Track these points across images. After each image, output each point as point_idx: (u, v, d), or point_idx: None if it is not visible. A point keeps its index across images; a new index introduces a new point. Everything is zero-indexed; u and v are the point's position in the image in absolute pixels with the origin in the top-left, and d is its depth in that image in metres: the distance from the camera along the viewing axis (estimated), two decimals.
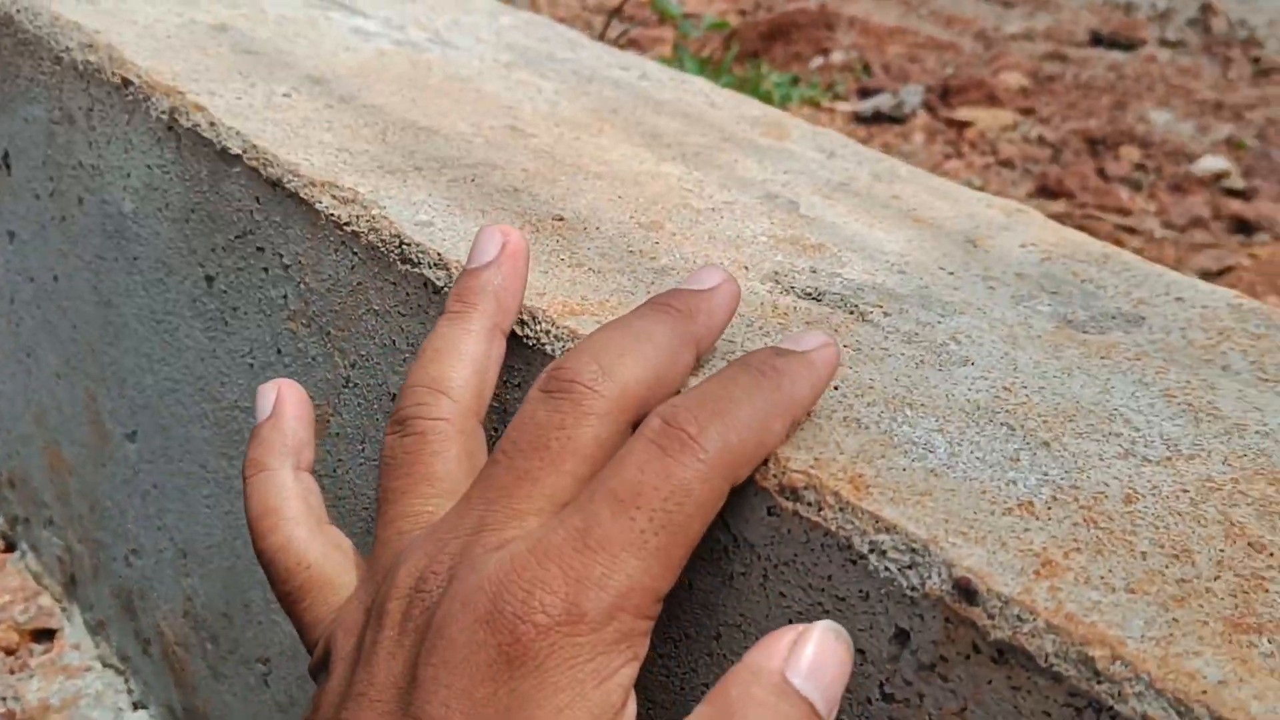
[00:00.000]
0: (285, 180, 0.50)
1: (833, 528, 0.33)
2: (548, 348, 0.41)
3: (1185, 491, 0.36)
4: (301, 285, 0.52)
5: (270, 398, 0.42)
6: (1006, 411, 0.39)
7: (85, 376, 0.68)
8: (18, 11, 0.65)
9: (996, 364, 0.42)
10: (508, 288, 0.41)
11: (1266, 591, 0.32)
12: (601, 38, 1.61)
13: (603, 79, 0.70)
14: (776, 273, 0.47)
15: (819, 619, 0.33)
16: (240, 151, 0.52)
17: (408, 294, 0.46)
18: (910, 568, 0.31)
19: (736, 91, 0.76)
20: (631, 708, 0.33)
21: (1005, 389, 0.40)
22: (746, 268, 0.47)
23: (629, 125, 0.63)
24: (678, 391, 0.37)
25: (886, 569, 0.32)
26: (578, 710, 0.31)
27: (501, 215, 0.49)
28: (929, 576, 0.31)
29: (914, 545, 0.31)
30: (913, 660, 0.32)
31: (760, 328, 0.42)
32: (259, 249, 0.53)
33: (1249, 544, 0.34)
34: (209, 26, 0.67)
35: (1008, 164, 1.43)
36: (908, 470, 0.34)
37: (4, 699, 0.71)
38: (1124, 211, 1.30)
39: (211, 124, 0.54)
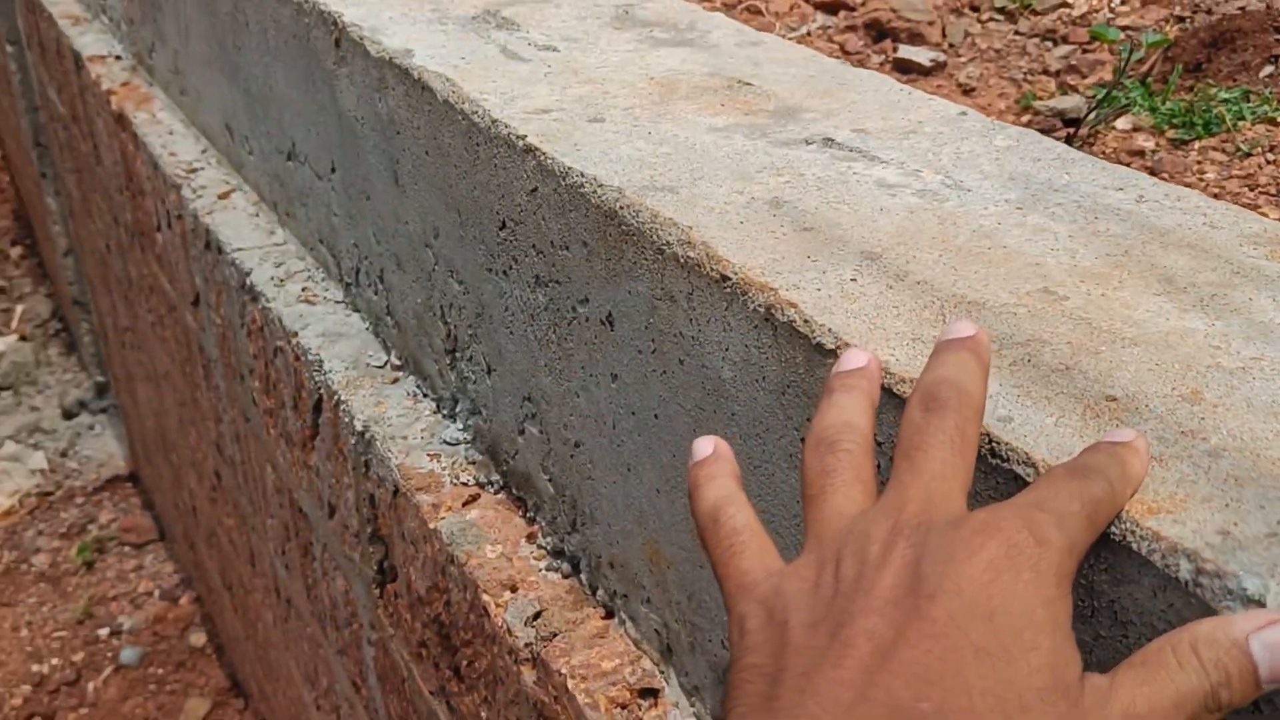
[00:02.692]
0: None
1: None
2: (1132, 545, 0.51)
3: None
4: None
5: (708, 443, 0.60)
6: None
7: (684, 495, 0.85)
8: (621, 209, 0.82)
9: None
10: (875, 377, 0.59)
11: None
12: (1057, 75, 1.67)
13: (1105, 211, 0.78)
14: None
15: None
16: (834, 346, 0.66)
17: (996, 484, 0.58)
18: None
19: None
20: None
21: None
22: None
23: (1143, 269, 0.71)
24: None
25: None
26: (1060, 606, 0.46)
27: (1062, 399, 0.59)
28: None
29: None
30: None
31: None
32: None
33: None
34: (766, 204, 0.81)
35: None
36: None
37: None
38: None
39: (805, 320, 0.68)
